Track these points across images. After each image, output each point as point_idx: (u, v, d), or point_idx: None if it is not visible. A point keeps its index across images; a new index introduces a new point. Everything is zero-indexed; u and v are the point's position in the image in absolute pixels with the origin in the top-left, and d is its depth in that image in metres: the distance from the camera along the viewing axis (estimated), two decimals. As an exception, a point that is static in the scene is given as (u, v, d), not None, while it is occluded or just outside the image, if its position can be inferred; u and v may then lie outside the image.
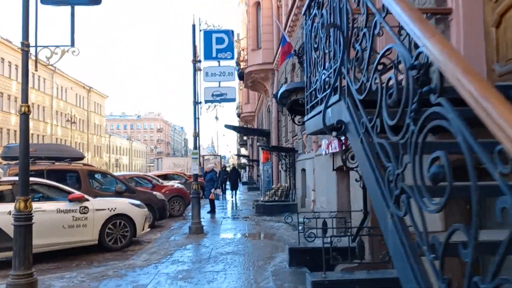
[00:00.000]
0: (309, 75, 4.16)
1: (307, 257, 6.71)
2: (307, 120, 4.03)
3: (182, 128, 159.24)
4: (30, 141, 5.30)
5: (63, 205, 8.45)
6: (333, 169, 8.40)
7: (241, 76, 26.14)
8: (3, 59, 46.73)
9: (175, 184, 17.79)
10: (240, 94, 46.56)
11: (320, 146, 10.47)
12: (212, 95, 10.57)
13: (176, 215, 15.51)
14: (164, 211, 12.88)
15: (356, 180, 6.24)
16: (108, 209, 8.97)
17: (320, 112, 3.51)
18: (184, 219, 13.87)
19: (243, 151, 65.64)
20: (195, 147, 10.67)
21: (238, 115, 43.05)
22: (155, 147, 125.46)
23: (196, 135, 10.58)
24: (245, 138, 57.52)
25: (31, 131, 48.90)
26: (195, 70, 10.46)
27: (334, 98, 3.24)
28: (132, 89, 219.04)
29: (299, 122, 6.20)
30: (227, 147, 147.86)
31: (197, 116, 10.45)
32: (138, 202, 9.71)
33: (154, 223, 12.52)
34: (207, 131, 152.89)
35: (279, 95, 5.60)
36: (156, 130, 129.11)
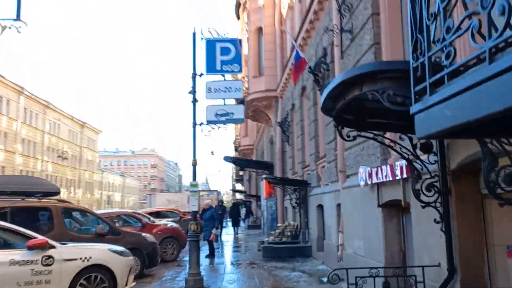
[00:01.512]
0: (416, 34, 2.27)
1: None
2: (425, 108, 2.10)
3: (176, 163, 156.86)
4: None
5: (19, 254, 6.36)
6: (378, 205, 6.41)
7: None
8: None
9: (168, 223, 15.61)
10: (237, 127, 44.96)
11: (348, 177, 8.52)
12: (216, 114, 8.68)
13: (168, 259, 13.27)
14: (155, 256, 10.71)
15: (435, 221, 4.25)
16: (81, 258, 6.86)
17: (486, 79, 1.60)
18: (179, 266, 11.67)
19: (239, 187, 63.37)
20: (194, 178, 8.68)
21: (236, 148, 41.23)
22: (149, 183, 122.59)
23: (195, 164, 8.62)
24: (241, 173, 55.49)
25: (19, 167, 46.38)
26: (195, 85, 8.65)
27: None
28: (127, 123, 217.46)
29: (348, 136, 4.26)
30: (222, 184, 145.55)
31: (195, 141, 8.55)
32: (120, 248, 7.60)
33: (143, 271, 10.34)
34: (202, 168, 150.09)
35: (326, 94, 3.70)
36: (150, 166, 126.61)
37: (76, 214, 10.28)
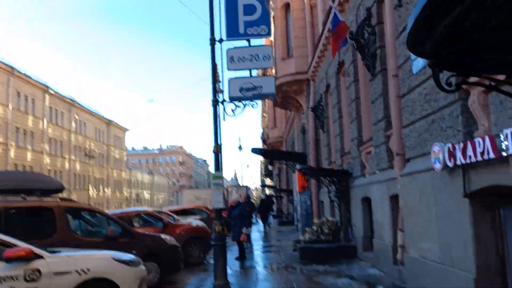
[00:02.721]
0: None
1: None
2: None
3: (205, 161, 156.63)
4: None
5: (-4, 268, 4.96)
6: (465, 195, 4.66)
7: (268, 93, 22.77)
8: None
9: (194, 221, 14.17)
10: (265, 119, 43.33)
11: (408, 160, 6.78)
12: (241, 89, 7.08)
13: (194, 262, 11.82)
14: (177, 261, 9.25)
15: None
16: (77, 271, 5.42)
17: None
18: (205, 270, 10.19)
19: (268, 182, 61.93)
20: (216, 168, 7.11)
21: (264, 141, 39.62)
22: (177, 180, 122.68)
23: (219, 150, 7.05)
24: (270, 168, 53.89)
25: (48, 167, 45.49)
26: (214, 53, 7.07)
27: None
28: (154, 121, 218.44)
29: (449, 85, 2.53)
30: (251, 179, 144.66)
31: (219, 121, 6.98)
32: (128, 256, 6.13)
33: (163, 278, 8.91)
34: (230, 163, 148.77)
35: (418, 13, 1.99)
36: (178, 163, 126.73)
37: (83, 214, 8.91)
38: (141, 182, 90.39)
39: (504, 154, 3.74)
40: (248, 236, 11.45)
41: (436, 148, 5.10)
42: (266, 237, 19.16)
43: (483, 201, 4.63)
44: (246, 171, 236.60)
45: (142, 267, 6.17)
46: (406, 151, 6.77)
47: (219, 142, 7.03)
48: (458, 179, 4.82)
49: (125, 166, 79.07)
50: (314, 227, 13.60)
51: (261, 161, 70.26)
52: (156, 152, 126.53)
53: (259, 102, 48.29)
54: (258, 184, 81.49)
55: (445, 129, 5.29)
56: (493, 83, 3.00)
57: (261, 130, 45.51)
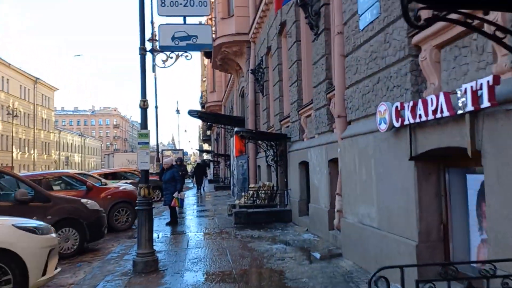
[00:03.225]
0: None
1: None
2: None
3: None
4: None
5: None
6: (411, 157, 4.36)
7: (208, 53, 21.72)
8: None
9: (122, 185, 13.30)
10: (204, 83, 42.11)
11: (349, 123, 6.45)
12: (173, 38, 6.28)
13: (121, 228, 11.10)
14: (100, 227, 8.50)
15: None
16: (-34, 241, 4.56)
17: None
18: (132, 237, 9.50)
19: (206, 147, 61.24)
20: (144, 126, 6.35)
21: (202, 105, 38.57)
22: (111, 144, 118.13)
23: (146, 106, 6.28)
24: (208, 133, 53.03)
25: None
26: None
27: None
28: (86, 81, 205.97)
29: (418, 19, 2.02)
30: (189, 144, 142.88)
31: (145, 74, 6.17)
32: (33, 223, 5.31)
33: (83, 245, 8.16)
34: (167, 128, 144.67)
35: None
36: (113, 126, 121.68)
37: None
38: (71, 145, 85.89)
39: (460, 111, 3.39)
40: (181, 201, 10.83)
41: (382, 107, 4.74)
42: (201, 202, 18.68)
43: (429, 164, 4.35)
44: (184, 135, 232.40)
45: (53, 235, 5.39)
46: (348, 113, 6.41)
47: (145, 98, 6.24)
48: (404, 140, 4.50)
49: (53, 128, 74.40)
50: (250, 192, 13.29)
51: (199, 126, 69.09)
52: (88, 113, 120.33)
53: (197, 56, 46.19)
54: (196, 149, 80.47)
55: (392, 88, 4.94)
56: (471, 21, 2.54)
57: (200, 94, 44.27)
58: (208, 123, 32.65)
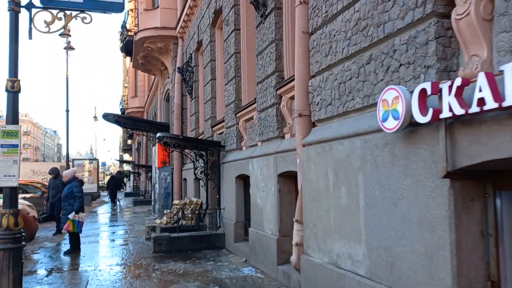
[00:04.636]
0: None
1: None
2: None
3: (55, 131, 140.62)
4: None
5: None
6: (446, 174, 2.68)
7: (129, 49, 19.16)
8: None
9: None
10: (126, 89, 38.88)
11: (314, 124, 4.74)
12: (63, -12, 4.21)
13: None
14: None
15: None
16: None
17: None
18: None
19: (127, 157, 57.33)
20: (14, 119, 4.12)
21: (123, 112, 35.38)
22: (21, 152, 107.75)
23: (14, 88, 4.07)
24: (129, 142, 49.40)
25: None
26: None
27: None
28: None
29: None
30: (108, 153, 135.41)
31: (17, 35, 4.01)
32: None
33: None
34: (87, 136, 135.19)
35: None
36: (22, 134, 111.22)
37: None
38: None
39: None
40: (78, 224, 8.34)
41: (390, 94, 3.03)
42: (115, 220, 16.05)
43: (469, 185, 2.72)
44: (103, 144, 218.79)
45: None
46: (314, 110, 4.70)
47: (16, 75, 4.04)
48: (430, 147, 2.83)
49: None
50: (174, 210, 11.16)
51: (120, 136, 64.55)
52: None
53: (119, 57, 42.71)
54: (115, 159, 75.46)
55: (397, 68, 3.28)
56: None
57: (120, 100, 40.90)
58: (129, 131, 29.77)
